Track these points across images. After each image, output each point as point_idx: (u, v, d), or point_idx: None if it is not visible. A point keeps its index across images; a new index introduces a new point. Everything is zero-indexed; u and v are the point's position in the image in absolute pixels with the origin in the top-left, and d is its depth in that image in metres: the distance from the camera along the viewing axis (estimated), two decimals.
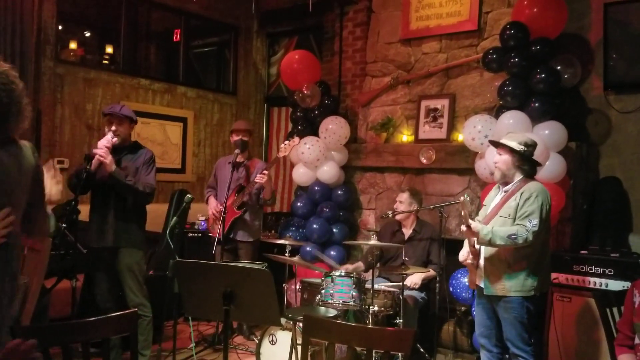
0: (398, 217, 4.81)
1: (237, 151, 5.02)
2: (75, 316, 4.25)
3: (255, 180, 4.79)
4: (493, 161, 3.59)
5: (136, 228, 4.06)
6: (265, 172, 4.78)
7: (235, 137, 5.12)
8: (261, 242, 5.26)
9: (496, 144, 3.58)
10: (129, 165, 4.00)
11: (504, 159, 3.48)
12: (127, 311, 2.30)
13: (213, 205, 5.09)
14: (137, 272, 4.04)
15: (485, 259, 3.48)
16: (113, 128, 3.94)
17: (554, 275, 4.13)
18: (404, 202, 4.78)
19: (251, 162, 5.13)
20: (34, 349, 1.51)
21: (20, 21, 5.17)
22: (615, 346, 2.89)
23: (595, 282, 4.00)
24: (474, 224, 3.35)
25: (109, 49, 7.08)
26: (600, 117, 4.83)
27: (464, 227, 3.43)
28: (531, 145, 3.49)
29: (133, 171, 3.99)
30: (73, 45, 6.62)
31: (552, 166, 4.30)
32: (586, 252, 4.20)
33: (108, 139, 3.86)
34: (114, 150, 3.91)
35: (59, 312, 4.28)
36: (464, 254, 3.65)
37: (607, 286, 3.94)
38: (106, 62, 7.08)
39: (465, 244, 3.65)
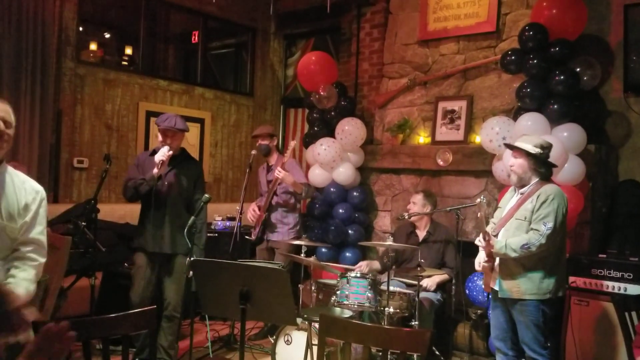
0: (412, 218, 4.80)
1: (253, 151, 5.17)
2: (93, 314, 4.30)
3: (275, 176, 4.85)
4: (509, 164, 3.56)
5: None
6: (278, 168, 4.82)
7: (257, 144, 5.23)
8: None
9: (511, 147, 3.55)
10: (183, 177, 4.13)
11: (520, 162, 3.45)
12: (146, 308, 2.32)
13: (250, 209, 5.22)
14: (183, 276, 4.11)
15: (501, 262, 3.46)
16: (168, 142, 4.02)
17: (571, 279, 4.10)
18: (417, 203, 4.77)
19: (277, 162, 5.17)
20: (68, 329, 1.55)
21: (42, 23, 5.26)
22: (633, 348, 2.87)
23: (613, 286, 3.96)
24: (492, 240, 3.34)
25: (129, 50, 7.15)
26: (620, 120, 4.78)
27: (481, 241, 3.41)
28: (547, 148, 3.46)
29: (187, 185, 4.14)
30: (93, 46, 6.70)
31: (571, 169, 4.26)
32: (605, 255, 4.16)
33: (165, 153, 3.95)
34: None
35: (77, 310, 4.33)
36: (479, 261, 3.63)
37: (625, 290, 3.89)
38: (125, 63, 7.15)
39: (480, 250, 3.63)
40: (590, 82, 4.59)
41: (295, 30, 7.67)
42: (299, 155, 7.10)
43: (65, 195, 5.65)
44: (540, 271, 3.35)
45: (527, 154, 3.42)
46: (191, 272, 4.05)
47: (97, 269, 4.31)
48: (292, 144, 4.99)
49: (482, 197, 3.43)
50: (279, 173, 4.80)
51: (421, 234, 4.79)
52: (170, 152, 3.99)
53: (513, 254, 3.28)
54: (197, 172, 4.27)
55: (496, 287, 3.49)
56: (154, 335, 2.32)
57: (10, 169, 2.49)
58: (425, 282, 4.40)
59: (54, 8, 5.39)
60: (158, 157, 3.95)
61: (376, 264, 4.86)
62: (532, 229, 3.32)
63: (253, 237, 5.22)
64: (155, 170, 3.94)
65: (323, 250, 5.60)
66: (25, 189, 2.46)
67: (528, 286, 3.35)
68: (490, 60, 5.24)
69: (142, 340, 4.11)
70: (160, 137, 4.08)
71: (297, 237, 4.97)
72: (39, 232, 2.45)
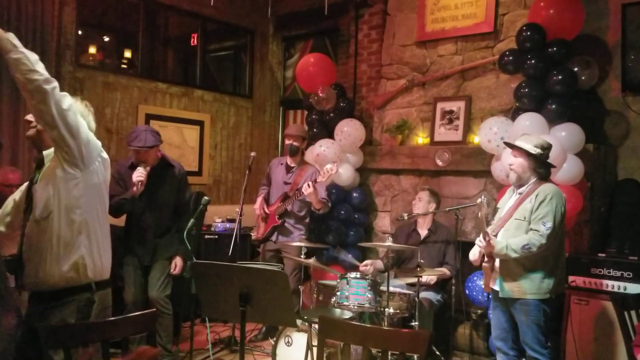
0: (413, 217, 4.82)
1: (252, 153, 5.18)
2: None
3: (302, 191, 4.83)
4: (508, 164, 3.57)
5: (175, 236, 4.18)
6: (309, 183, 4.78)
7: (286, 142, 5.22)
8: None
9: (511, 146, 3.56)
10: (165, 187, 4.15)
11: (520, 161, 3.46)
12: (145, 311, 2.33)
13: (257, 206, 5.23)
14: (167, 270, 4.17)
15: (501, 262, 3.47)
16: (143, 159, 4.02)
17: (571, 278, 4.11)
18: (423, 199, 4.79)
19: (301, 168, 5.18)
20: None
21: (41, 26, 5.26)
22: (633, 347, 2.88)
23: (613, 285, 3.97)
24: (492, 240, 3.35)
25: (128, 54, 7.16)
26: (618, 119, 4.79)
27: (481, 241, 3.42)
28: (547, 148, 3.47)
29: (169, 193, 4.16)
30: (92, 49, 6.70)
31: (569, 168, 4.27)
32: (604, 255, 4.16)
33: (142, 173, 3.94)
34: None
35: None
36: (474, 254, 3.63)
37: (625, 289, 3.90)
38: (124, 66, 7.16)
39: (476, 243, 3.63)
40: (588, 81, 4.60)
41: (293, 32, 7.68)
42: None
43: None
44: (541, 271, 3.36)
45: (527, 154, 3.42)
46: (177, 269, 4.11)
47: None
48: (333, 167, 4.71)
49: (482, 197, 3.43)
50: (307, 189, 4.76)
51: (423, 232, 4.81)
52: (148, 169, 3.99)
53: (514, 255, 3.29)
54: (178, 177, 4.25)
55: (497, 287, 3.50)
56: (154, 337, 2.32)
57: None
58: (425, 277, 4.40)
59: (53, 12, 5.39)
60: (135, 178, 3.93)
61: (379, 263, 4.88)
62: (531, 229, 3.32)
63: (260, 236, 5.22)
64: (135, 189, 3.94)
65: (324, 251, 5.61)
66: None
67: (529, 286, 3.36)
68: (488, 61, 5.24)
69: (138, 343, 4.10)
70: (134, 157, 4.09)
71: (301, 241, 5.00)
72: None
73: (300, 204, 5.09)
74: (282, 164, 5.29)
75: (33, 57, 2.37)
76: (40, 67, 2.38)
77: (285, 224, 5.11)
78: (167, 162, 4.25)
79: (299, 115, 7.58)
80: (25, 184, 2.68)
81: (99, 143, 2.66)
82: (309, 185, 4.76)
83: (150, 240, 4.12)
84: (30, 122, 2.59)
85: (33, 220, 2.48)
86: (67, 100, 2.46)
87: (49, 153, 2.57)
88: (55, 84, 2.42)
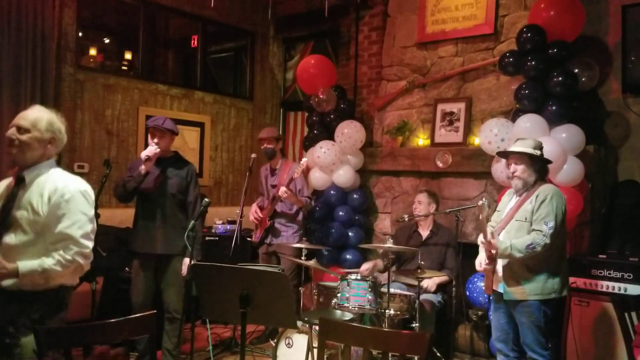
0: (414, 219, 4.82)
1: (253, 155, 5.18)
2: (94, 318, 4.30)
3: (280, 194, 4.86)
4: (511, 172, 3.52)
5: (183, 234, 4.15)
6: (283, 188, 4.83)
7: (261, 147, 5.22)
8: None
9: (508, 154, 3.55)
10: (174, 177, 4.16)
11: (522, 167, 3.45)
12: (146, 313, 2.33)
13: (252, 211, 5.24)
14: (181, 277, 4.12)
15: (505, 264, 3.46)
16: (155, 140, 4.07)
17: (572, 279, 4.10)
18: (423, 201, 4.79)
19: (283, 167, 5.17)
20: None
21: (41, 29, 5.26)
22: (633, 348, 2.88)
23: (613, 286, 3.97)
24: (493, 241, 3.35)
25: (128, 55, 7.18)
26: (618, 120, 4.79)
27: (481, 240, 3.42)
28: (542, 147, 3.50)
29: (178, 185, 4.16)
30: (93, 51, 6.72)
31: (570, 169, 4.27)
32: (605, 256, 4.16)
33: (152, 150, 4.00)
34: (158, 161, 4.06)
35: (78, 315, 4.32)
36: (480, 261, 3.63)
37: (625, 291, 3.90)
38: (125, 68, 7.17)
39: (481, 251, 3.63)
40: (588, 83, 4.60)
41: (294, 33, 7.69)
42: (298, 158, 7.11)
43: None
44: (545, 271, 3.36)
45: (530, 157, 3.42)
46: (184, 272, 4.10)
47: (98, 274, 4.31)
48: (304, 162, 4.96)
49: (483, 199, 3.43)
50: (283, 193, 4.82)
51: (424, 233, 4.81)
52: (158, 150, 4.01)
53: (518, 255, 3.29)
54: (190, 173, 4.25)
55: (500, 290, 3.50)
56: (154, 340, 2.32)
57: (53, 171, 2.63)
58: (425, 283, 4.41)
59: (53, 14, 5.39)
60: (144, 154, 3.98)
61: (380, 263, 4.88)
62: (534, 229, 3.32)
63: (256, 239, 5.23)
64: (142, 167, 3.97)
65: (324, 252, 5.61)
66: (51, 185, 2.55)
67: (532, 287, 3.36)
68: (488, 62, 5.25)
69: (145, 345, 4.11)
70: (150, 139, 4.13)
71: (300, 241, 4.98)
72: (66, 226, 2.51)
73: (289, 204, 5.10)
74: (267, 169, 5.31)
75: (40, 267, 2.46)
76: (49, 264, 2.47)
77: (276, 225, 5.10)
78: (180, 157, 4.32)
79: (300, 117, 7.58)
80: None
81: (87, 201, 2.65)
82: (284, 190, 4.82)
83: (158, 227, 4.09)
84: (13, 140, 2.55)
85: None
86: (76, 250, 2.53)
87: (29, 173, 2.58)
88: (59, 264, 2.50)
